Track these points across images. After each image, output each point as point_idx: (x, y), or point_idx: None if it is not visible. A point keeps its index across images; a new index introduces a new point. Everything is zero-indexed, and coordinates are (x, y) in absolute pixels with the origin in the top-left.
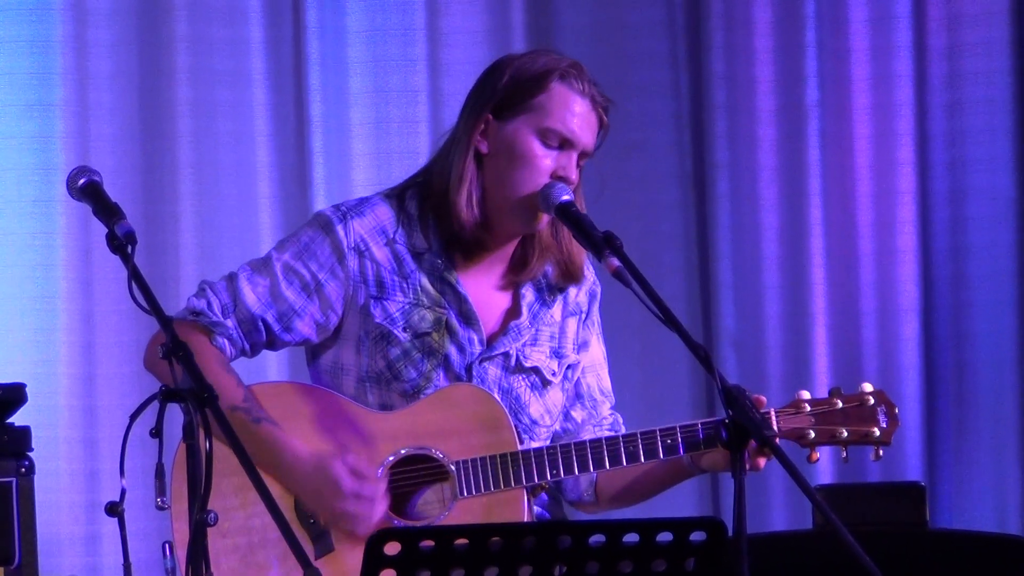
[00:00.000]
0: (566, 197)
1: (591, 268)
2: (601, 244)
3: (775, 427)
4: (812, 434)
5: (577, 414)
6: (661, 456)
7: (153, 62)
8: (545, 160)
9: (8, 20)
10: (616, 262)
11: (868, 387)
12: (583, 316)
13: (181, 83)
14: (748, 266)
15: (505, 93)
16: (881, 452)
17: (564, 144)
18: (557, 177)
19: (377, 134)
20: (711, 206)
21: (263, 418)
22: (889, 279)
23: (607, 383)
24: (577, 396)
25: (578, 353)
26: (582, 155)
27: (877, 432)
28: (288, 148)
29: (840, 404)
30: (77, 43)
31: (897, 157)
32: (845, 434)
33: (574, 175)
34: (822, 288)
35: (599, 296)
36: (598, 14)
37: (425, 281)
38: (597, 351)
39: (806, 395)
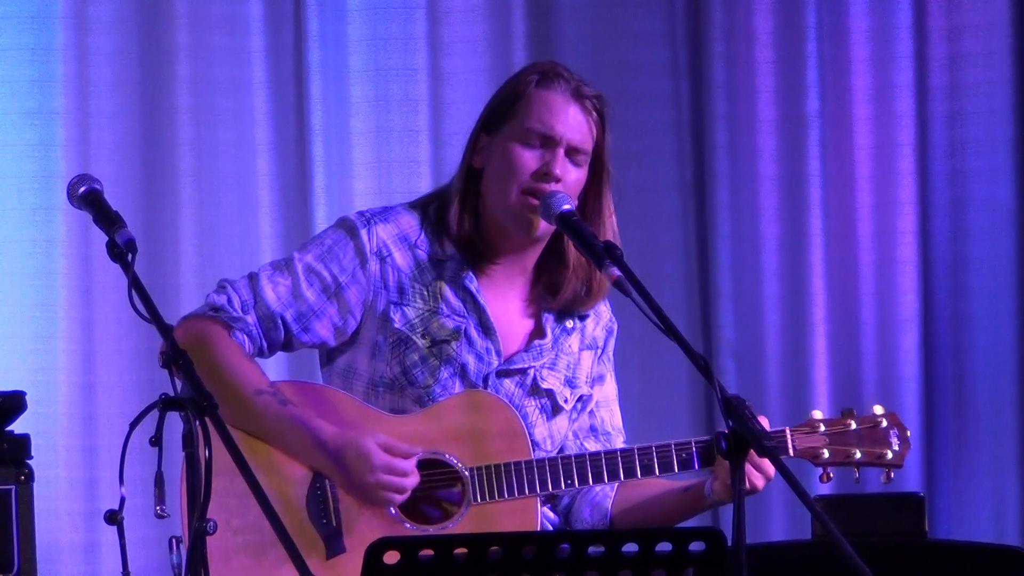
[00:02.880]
0: (567, 206)
1: (608, 305)
2: (601, 254)
3: (790, 445)
4: (826, 454)
5: (591, 446)
6: (675, 469)
7: (154, 70)
8: (528, 160)
9: (9, 28)
10: (616, 271)
11: (880, 409)
12: (599, 351)
13: (182, 91)
14: (748, 276)
15: (492, 109)
16: (892, 475)
17: (546, 142)
18: (541, 175)
19: (378, 143)
20: (711, 216)
21: (289, 401)
22: (889, 289)
23: (619, 420)
24: (592, 429)
25: (592, 387)
26: (574, 151)
27: (889, 455)
28: (289, 157)
29: (854, 425)
30: (78, 51)
31: (897, 168)
32: (858, 455)
33: (558, 169)
34: (822, 298)
35: (616, 333)
36: (599, 24)
37: (446, 289)
38: (611, 388)
39: (819, 415)
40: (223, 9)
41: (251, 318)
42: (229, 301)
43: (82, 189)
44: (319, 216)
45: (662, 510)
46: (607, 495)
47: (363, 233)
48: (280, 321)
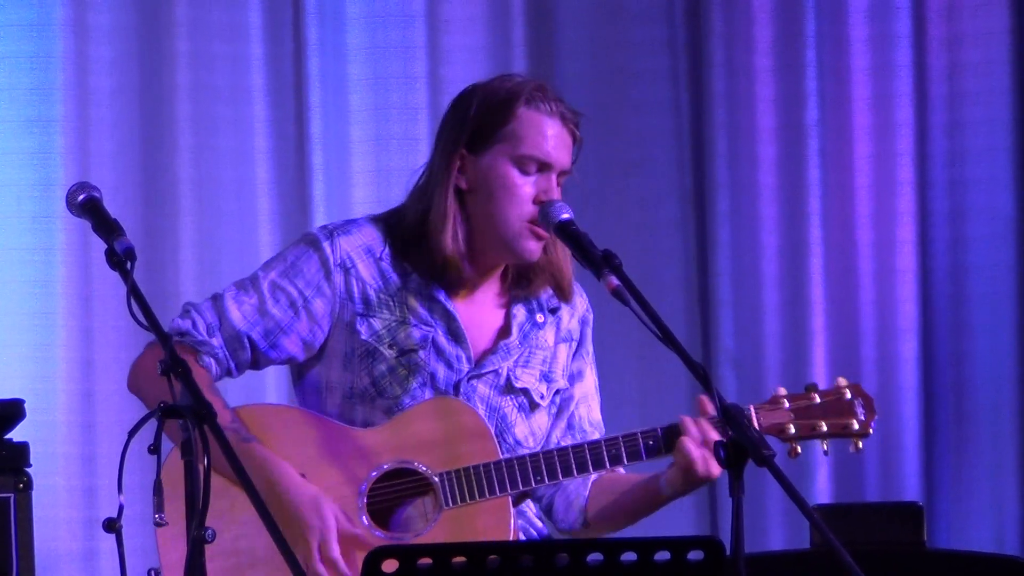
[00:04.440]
0: (566, 215)
1: (584, 296)
2: (600, 262)
3: (755, 422)
4: (792, 428)
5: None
6: (643, 457)
7: (154, 78)
8: (525, 188)
9: (9, 36)
10: (615, 280)
11: (843, 381)
12: (574, 344)
13: (181, 99)
14: (747, 285)
15: (475, 126)
16: (861, 444)
17: (542, 167)
18: (539, 202)
19: (377, 151)
20: (711, 224)
21: (252, 439)
22: (888, 298)
23: (597, 415)
24: (568, 427)
25: (572, 384)
26: (561, 173)
27: (856, 424)
28: (288, 165)
29: (818, 399)
30: (78, 59)
31: (897, 177)
32: (824, 427)
33: (556, 196)
34: (821, 307)
35: (591, 323)
36: (599, 31)
37: (412, 299)
38: (590, 382)
39: (783, 391)
40: (223, 17)
41: (217, 340)
42: (194, 325)
43: (81, 197)
44: (318, 224)
45: (628, 506)
46: (581, 493)
47: (326, 246)
48: (247, 340)
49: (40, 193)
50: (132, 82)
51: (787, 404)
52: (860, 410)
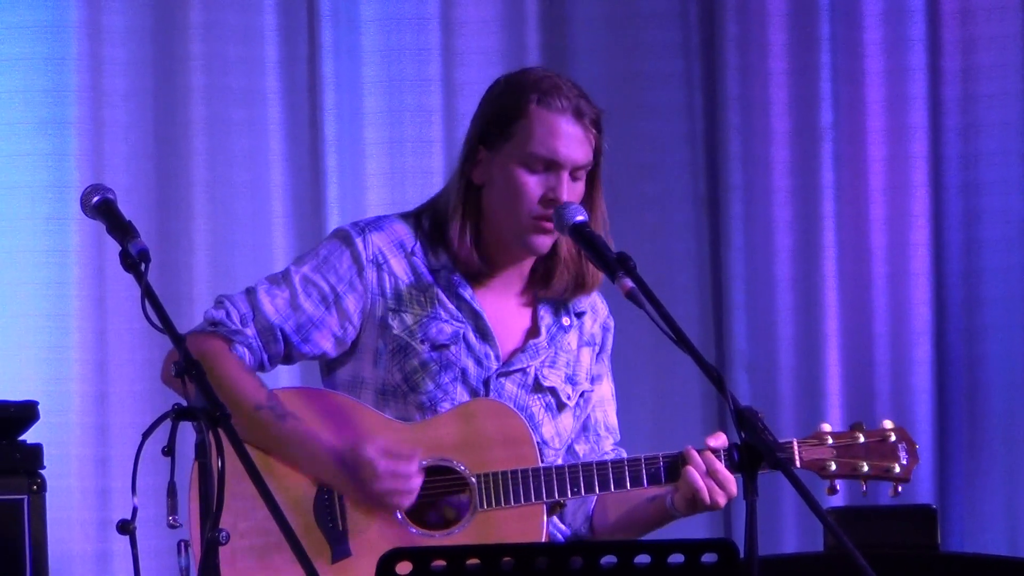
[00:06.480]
0: (580, 218)
1: (604, 302)
2: (615, 265)
3: (797, 457)
4: (833, 466)
5: (580, 448)
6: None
7: (168, 80)
8: (532, 186)
9: (23, 38)
10: (629, 283)
11: (889, 424)
12: (596, 349)
13: (196, 102)
14: (761, 288)
15: (490, 122)
16: (900, 489)
17: (550, 166)
18: (547, 201)
19: (391, 154)
20: (725, 227)
21: (288, 414)
22: (902, 301)
23: (613, 419)
24: (583, 429)
25: (592, 384)
26: (576, 169)
27: (897, 468)
28: (302, 167)
29: (862, 438)
30: (92, 61)
31: (911, 179)
32: (866, 468)
33: (564, 195)
34: (835, 310)
35: (612, 330)
36: (613, 35)
37: (443, 295)
38: (607, 387)
39: (828, 427)
40: (237, 19)
41: (250, 331)
42: (228, 315)
43: (95, 199)
44: (332, 226)
45: (639, 520)
46: (587, 500)
47: (358, 242)
48: (280, 333)
49: (54, 195)
50: (146, 84)
51: (830, 441)
52: (903, 455)
